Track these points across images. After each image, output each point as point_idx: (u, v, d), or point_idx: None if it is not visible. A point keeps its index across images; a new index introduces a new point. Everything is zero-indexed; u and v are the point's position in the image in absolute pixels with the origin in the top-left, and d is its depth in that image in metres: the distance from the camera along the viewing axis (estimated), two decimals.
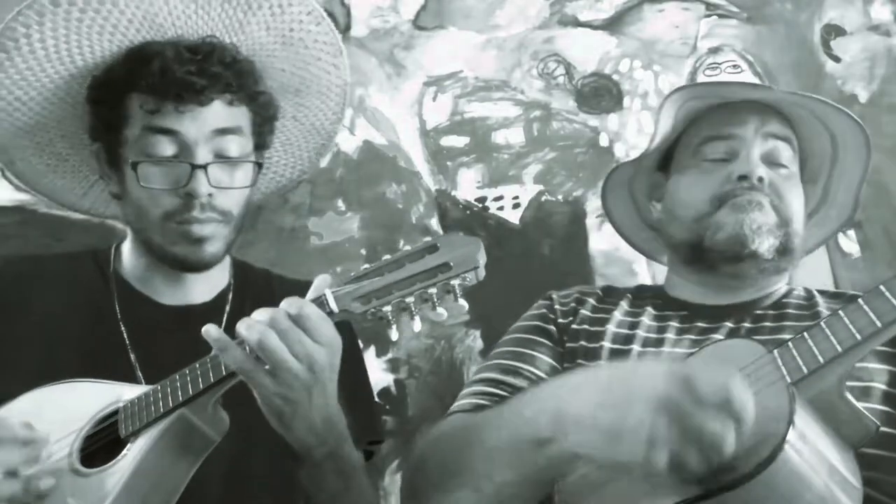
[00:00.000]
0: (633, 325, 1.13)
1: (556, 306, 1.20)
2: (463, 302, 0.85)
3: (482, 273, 0.83)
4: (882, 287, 0.79)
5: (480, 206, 1.73)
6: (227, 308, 1.19)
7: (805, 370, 0.80)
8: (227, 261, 1.23)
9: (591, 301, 1.19)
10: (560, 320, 1.17)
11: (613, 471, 0.82)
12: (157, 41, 1.10)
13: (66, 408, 0.98)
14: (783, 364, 0.81)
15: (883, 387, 0.96)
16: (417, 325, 0.85)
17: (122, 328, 1.12)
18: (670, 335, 1.10)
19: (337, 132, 1.34)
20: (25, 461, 0.90)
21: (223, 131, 1.08)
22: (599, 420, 0.78)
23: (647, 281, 1.67)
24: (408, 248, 0.87)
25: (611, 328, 1.13)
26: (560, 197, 1.74)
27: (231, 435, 0.96)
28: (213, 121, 1.07)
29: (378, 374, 1.61)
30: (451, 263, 0.83)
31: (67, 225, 1.59)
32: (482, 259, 0.84)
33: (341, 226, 1.66)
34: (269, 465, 1.04)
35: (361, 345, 1.56)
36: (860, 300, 0.80)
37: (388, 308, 0.84)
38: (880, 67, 1.81)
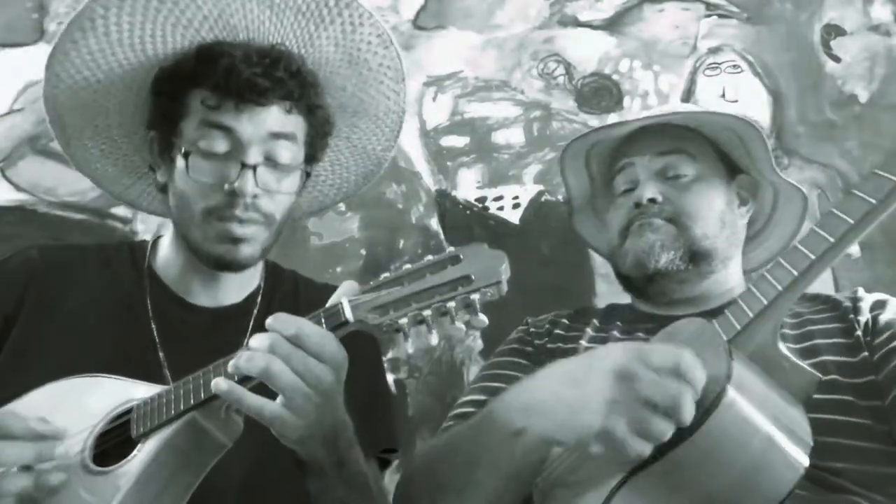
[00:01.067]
0: (604, 340, 1.19)
1: (532, 329, 1.26)
2: (483, 317, 0.81)
3: (504, 288, 0.81)
4: (796, 243, 0.86)
5: (480, 206, 1.73)
6: (255, 311, 1.19)
7: (738, 326, 0.87)
8: (259, 262, 1.22)
9: (565, 321, 1.26)
10: (536, 341, 1.23)
11: (580, 454, 0.85)
12: (227, 41, 1.11)
13: (82, 403, 0.98)
14: (720, 326, 0.88)
15: (842, 378, 0.99)
16: (434, 338, 0.82)
17: (153, 326, 1.13)
18: None
19: (387, 160, 1.33)
20: (38, 457, 0.89)
21: (277, 135, 1.08)
22: (562, 398, 0.82)
23: None
24: (430, 257, 0.84)
25: (583, 343, 1.18)
26: (560, 197, 1.74)
27: (246, 441, 0.95)
28: (269, 124, 1.07)
29: None
30: (473, 276, 0.80)
31: (67, 225, 1.59)
32: (505, 273, 0.81)
33: (341, 226, 1.67)
34: (286, 473, 1.02)
35: None
36: (779, 257, 0.87)
37: (404, 320, 0.81)
38: (880, 67, 1.81)
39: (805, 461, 0.77)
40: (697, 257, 1.17)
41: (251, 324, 1.16)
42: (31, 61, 1.72)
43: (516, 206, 1.73)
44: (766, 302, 0.86)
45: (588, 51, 1.81)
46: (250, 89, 1.05)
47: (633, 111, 1.77)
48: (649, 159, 1.23)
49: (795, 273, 0.84)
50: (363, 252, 1.67)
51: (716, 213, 1.20)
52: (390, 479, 1.55)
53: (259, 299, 1.21)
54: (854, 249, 1.74)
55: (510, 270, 0.82)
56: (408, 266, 0.84)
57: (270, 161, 1.08)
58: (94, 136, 1.20)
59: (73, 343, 1.08)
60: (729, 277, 1.22)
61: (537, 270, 1.66)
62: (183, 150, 1.07)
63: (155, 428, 0.91)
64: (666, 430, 0.73)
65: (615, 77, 1.80)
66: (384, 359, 1.62)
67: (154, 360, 1.09)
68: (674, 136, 1.24)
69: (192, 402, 0.89)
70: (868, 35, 1.83)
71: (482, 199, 1.73)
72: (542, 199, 1.74)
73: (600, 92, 1.80)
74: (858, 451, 0.94)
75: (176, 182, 1.10)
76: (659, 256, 1.16)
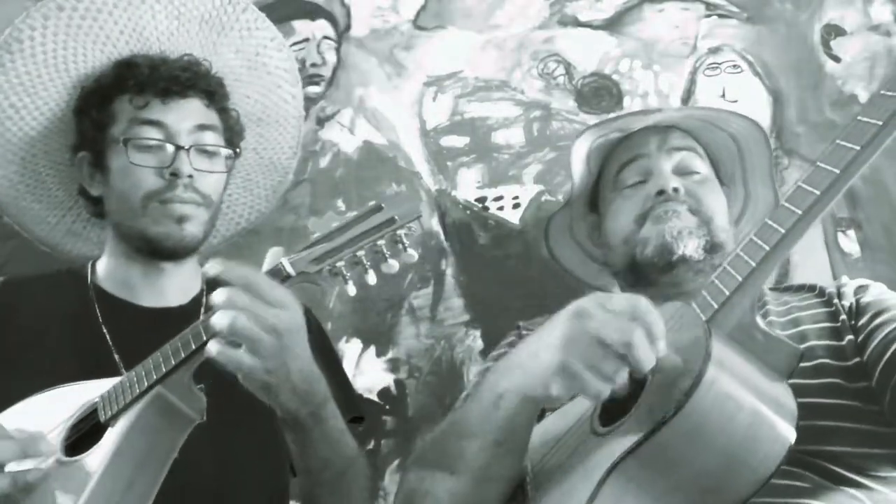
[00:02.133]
0: None
1: (524, 333, 1.26)
2: (412, 251, 0.90)
3: (425, 223, 0.88)
4: (767, 220, 0.86)
5: (480, 206, 1.73)
6: (202, 311, 1.23)
7: (714, 305, 0.87)
8: (198, 269, 1.27)
9: None
10: None
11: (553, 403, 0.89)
12: (142, 54, 1.22)
13: (52, 408, 1.00)
14: (697, 306, 0.88)
15: (831, 361, 1.01)
16: (372, 278, 0.90)
17: (105, 331, 1.17)
18: None
19: (292, 168, 1.42)
20: (13, 456, 0.91)
21: (202, 127, 1.19)
22: (531, 349, 0.85)
23: None
24: (353, 213, 0.93)
25: None
26: (560, 197, 1.74)
27: (216, 416, 0.98)
28: (194, 116, 1.18)
29: (378, 374, 1.61)
30: (396, 217, 0.89)
31: None
32: (425, 211, 0.90)
33: None
34: (257, 445, 1.07)
35: (361, 345, 1.57)
36: (752, 235, 0.87)
37: (341, 263, 0.89)
38: (880, 67, 1.81)
39: (791, 434, 0.77)
40: (714, 249, 1.18)
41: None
42: None
43: (516, 206, 1.73)
44: (739, 278, 0.86)
45: (588, 51, 1.80)
46: (173, 82, 1.17)
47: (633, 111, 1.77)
48: (665, 154, 1.24)
49: (767, 248, 0.84)
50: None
51: (724, 210, 1.24)
52: (390, 479, 1.56)
53: (204, 300, 1.24)
54: (854, 249, 1.74)
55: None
56: (335, 224, 0.92)
57: (199, 147, 1.18)
58: (20, 169, 1.26)
59: (30, 362, 1.11)
60: None
61: (537, 270, 1.66)
62: (122, 140, 1.15)
63: (122, 409, 0.94)
64: (618, 370, 0.76)
65: (615, 77, 1.80)
66: (383, 359, 1.63)
67: (110, 363, 1.13)
68: (683, 136, 1.26)
69: (154, 376, 0.92)
70: (868, 35, 1.83)
71: (482, 199, 1.73)
72: (542, 199, 1.74)
73: (600, 92, 1.80)
74: (850, 434, 0.95)
75: (113, 182, 1.17)
76: (687, 242, 1.16)
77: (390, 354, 1.63)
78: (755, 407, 0.77)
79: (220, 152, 1.21)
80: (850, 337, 1.03)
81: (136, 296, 1.22)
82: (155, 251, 1.18)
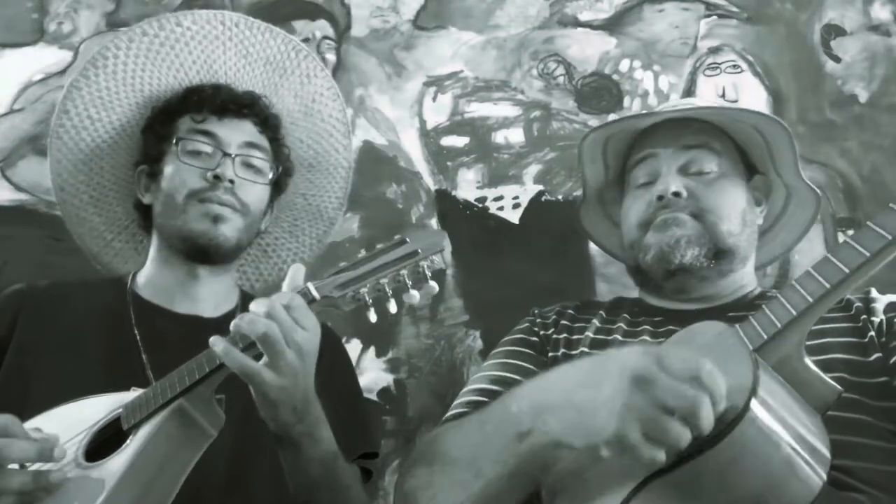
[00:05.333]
0: (610, 332, 1.18)
1: (539, 320, 1.26)
2: (433, 283, 0.96)
3: (448, 256, 0.91)
4: (828, 255, 0.84)
5: (480, 206, 1.73)
6: None
7: (765, 336, 0.84)
8: (235, 290, 1.34)
9: (571, 312, 1.26)
10: (542, 332, 1.23)
11: (590, 457, 0.82)
12: (210, 83, 1.31)
13: (75, 416, 1.03)
14: (745, 334, 0.85)
15: (850, 377, 0.98)
16: (393, 306, 0.96)
17: (136, 332, 1.21)
18: (646, 338, 1.14)
19: (337, 220, 1.46)
20: (28, 457, 0.92)
21: (251, 144, 1.27)
22: (573, 399, 0.82)
23: None
24: (380, 245, 0.98)
25: (589, 335, 1.18)
26: (560, 197, 1.74)
27: (232, 431, 1.01)
28: (245, 134, 1.27)
29: (378, 374, 1.61)
30: (419, 250, 0.95)
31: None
32: (448, 246, 0.96)
33: (341, 226, 1.66)
34: (271, 460, 1.07)
35: (361, 345, 1.56)
36: (810, 268, 0.85)
37: (364, 290, 0.95)
38: (880, 67, 1.81)
39: (823, 478, 0.76)
40: (721, 255, 1.16)
41: None
42: (31, 61, 1.72)
43: (516, 206, 1.73)
44: (794, 313, 0.83)
45: (588, 51, 1.81)
46: (232, 102, 1.27)
47: (633, 111, 1.77)
48: (673, 152, 1.20)
49: (828, 286, 0.82)
50: (363, 252, 1.67)
51: (738, 212, 1.19)
52: (390, 479, 1.56)
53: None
54: None
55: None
56: (362, 252, 0.99)
57: (245, 160, 1.26)
58: (87, 179, 1.34)
59: (63, 357, 1.16)
60: (743, 276, 1.21)
61: (537, 270, 1.66)
62: (175, 140, 1.24)
63: (144, 418, 0.97)
64: (683, 436, 0.72)
65: (615, 77, 1.80)
66: (383, 360, 1.63)
67: (138, 363, 1.18)
68: (698, 131, 1.22)
69: (178, 389, 0.96)
70: (868, 35, 1.83)
71: (482, 199, 1.73)
72: (542, 199, 1.74)
73: (600, 92, 1.80)
74: (865, 449, 0.93)
75: (164, 185, 1.25)
76: (685, 252, 1.14)
77: (390, 354, 1.63)
78: (791, 450, 0.76)
79: (265, 169, 1.29)
80: (878, 355, 1.01)
81: (170, 301, 1.26)
82: (190, 250, 1.23)
